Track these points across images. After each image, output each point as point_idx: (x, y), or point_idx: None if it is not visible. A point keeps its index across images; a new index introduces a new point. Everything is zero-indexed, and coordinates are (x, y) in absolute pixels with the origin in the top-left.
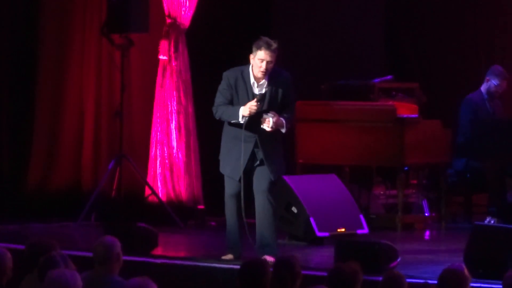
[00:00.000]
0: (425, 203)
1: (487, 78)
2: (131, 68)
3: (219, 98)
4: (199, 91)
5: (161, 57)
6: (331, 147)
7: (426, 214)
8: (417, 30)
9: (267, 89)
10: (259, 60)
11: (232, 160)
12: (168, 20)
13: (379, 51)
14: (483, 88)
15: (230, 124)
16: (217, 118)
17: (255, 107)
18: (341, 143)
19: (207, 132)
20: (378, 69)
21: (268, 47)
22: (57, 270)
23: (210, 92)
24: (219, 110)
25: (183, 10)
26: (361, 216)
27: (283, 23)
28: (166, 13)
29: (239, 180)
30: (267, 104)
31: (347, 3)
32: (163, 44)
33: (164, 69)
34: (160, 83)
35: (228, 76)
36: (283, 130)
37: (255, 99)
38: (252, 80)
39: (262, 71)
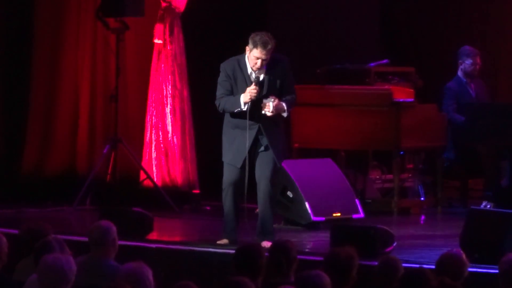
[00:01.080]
0: (421, 188)
1: (460, 61)
2: (126, 52)
3: (219, 91)
4: (194, 75)
5: (156, 41)
6: (327, 131)
7: (422, 199)
8: (412, 13)
9: (265, 75)
10: (254, 57)
11: (234, 148)
12: (163, 4)
13: (374, 35)
14: (459, 72)
15: (232, 115)
16: (221, 111)
17: (254, 91)
18: (337, 127)
19: (202, 116)
20: (374, 53)
21: (264, 47)
22: (52, 255)
23: (206, 76)
24: (221, 103)
25: None
26: (357, 201)
27: (279, 6)
28: None
29: (241, 167)
30: (266, 90)
31: None
32: (158, 28)
33: (159, 53)
34: (155, 67)
35: (225, 67)
36: (285, 114)
37: (253, 83)
38: (249, 69)
39: (256, 67)
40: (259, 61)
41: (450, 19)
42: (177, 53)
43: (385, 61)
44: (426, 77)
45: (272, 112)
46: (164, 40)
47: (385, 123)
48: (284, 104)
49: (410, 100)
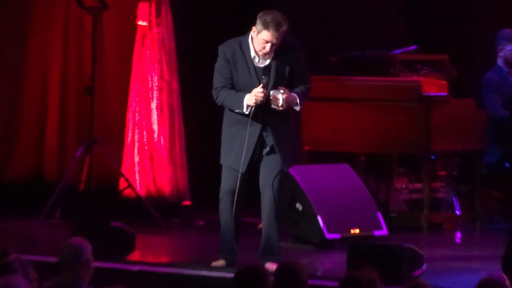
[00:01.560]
0: (455, 199)
1: (499, 47)
2: (104, 36)
3: (217, 79)
4: (185, 63)
5: (140, 22)
6: (343, 131)
7: (457, 212)
8: None
9: (272, 61)
10: (263, 40)
11: (235, 149)
12: None
13: (400, 17)
14: (499, 61)
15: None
16: (219, 105)
17: (261, 95)
18: (355, 126)
19: (195, 113)
20: (399, 38)
21: (277, 28)
22: (6, 278)
23: (199, 65)
24: (220, 96)
25: None
26: (379, 214)
27: None
28: None
29: (243, 173)
30: (273, 78)
31: None
32: (143, 7)
33: (144, 37)
34: (138, 53)
35: (224, 50)
36: (297, 108)
37: (261, 84)
38: (252, 53)
39: (264, 53)
40: (268, 45)
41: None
42: (165, 38)
43: (413, 47)
44: (461, 66)
45: (282, 106)
46: (150, 22)
47: (413, 121)
48: (296, 96)
49: (443, 94)
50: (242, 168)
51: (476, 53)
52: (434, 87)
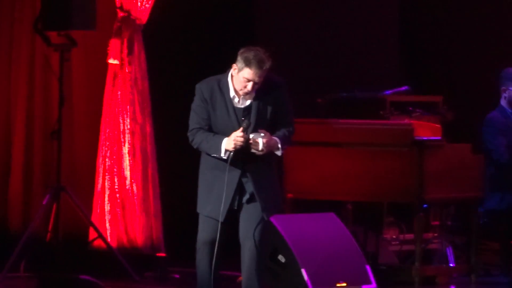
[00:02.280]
0: (450, 251)
1: (503, 88)
2: (72, 75)
3: (193, 119)
4: (159, 105)
5: (111, 61)
6: (329, 178)
7: (451, 265)
8: (440, 27)
9: (253, 102)
10: (244, 79)
11: (213, 196)
12: (121, 14)
13: (392, 55)
14: (503, 102)
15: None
16: (195, 147)
17: (241, 139)
18: (342, 173)
19: (169, 158)
20: (391, 79)
21: (259, 66)
22: None
23: (174, 107)
24: (196, 138)
25: (140, 1)
26: (368, 267)
27: (270, 18)
28: (118, 4)
29: (223, 222)
30: (254, 121)
31: None
32: (114, 44)
33: (115, 77)
34: (109, 94)
35: (201, 88)
36: (278, 153)
37: (241, 128)
38: (232, 92)
39: (245, 92)
40: (249, 84)
41: (489, 35)
42: (137, 77)
43: (404, 88)
44: (457, 108)
45: (262, 150)
46: (122, 60)
47: (404, 167)
48: (277, 140)
49: (436, 138)
50: (221, 218)
51: (473, 94)
52: (427, 130)
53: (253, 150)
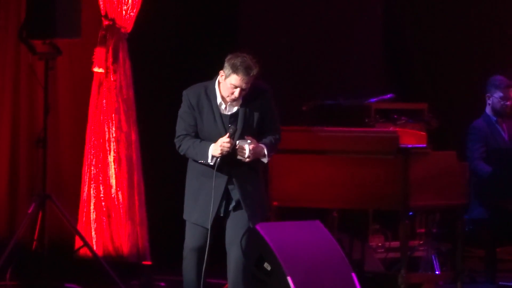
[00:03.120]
0: (435, 258)
1: (487, 95)
2: (57, 83)
3: (180, 126)
4: (144, 113)
5: (96, 69)
6: (315, 186)
7: (437, 272)
8: (424, 34)
9: (240, 109)
10: (231, 85)
11: (200, 203)
12: (105, 22)
13: (376, 63)
14: (487, 109)
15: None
16: (181, 154)
17: (228, 145)
18: (328, 180)
19: (155, 166)
20: (376, 86)
21: (246, 72)
22: None
23: (160, 115)
24: (183, 145)
25: (125, 9)
26: (354, 275)
27: (253, 24)
28: (103, 13)
29: (210, 228)
30: (240, 127)
31: (337, 4)
32: (99, 53)
33: (100, 85)
34: (95, 102)
35: (188, 95)
36: (265, 160)
37: (228, 134)
38: (219, 99)
39: (232, 98)
40: (237, 91)
41: (474, 42)
42: (122, 85)
43: (389, 95)
44: (442, 115)
45: (248, 157)
46: (107, 69)
47: (390, 175)
48: (264, 147)
49: (421, 145)
50: (208, 224)
51: (458, 101)
52: (412, 138)
53: (239, 157)
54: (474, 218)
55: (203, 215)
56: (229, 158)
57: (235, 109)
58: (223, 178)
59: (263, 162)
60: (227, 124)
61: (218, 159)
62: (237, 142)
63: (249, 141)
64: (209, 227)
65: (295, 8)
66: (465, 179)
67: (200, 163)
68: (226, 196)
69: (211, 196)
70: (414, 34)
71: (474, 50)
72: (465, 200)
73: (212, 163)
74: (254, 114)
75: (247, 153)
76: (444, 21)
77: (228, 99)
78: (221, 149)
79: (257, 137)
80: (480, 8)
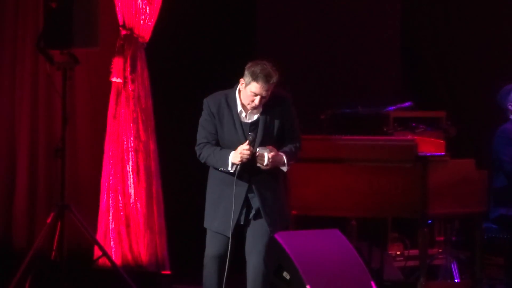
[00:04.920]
0: (454, 266)
1: (509, 104)
2: (75, 93)
3: (201, 134)
4: (163, 123)
5: (114, 79)
6: (333, 195)
7: (456, 280)
8: (442, 42)
9: (260, 117)
10: (251, 93)
11: (220, 211)
12: (123, 32)
13: (395, 72)
14: None
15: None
16: (202, 162)
17: (247, 153)
18: (346, 189)
19: (173, 175)
20: (394, 94)
21: (266, 80)
22: None
23: (178, 124)
24: (204, 152)
25: (142, 19)
26: (373, 283)
27: (272, 36)
28: (121, 22)
29: (231, 237)
30: (261, 135)
31: (354, 12)
32: (117, 63)
33: (118, 95)
34: (113, 112)
35: (208, 103)
36: (284, 168)
37: (247, 141)
38: (239, 107)
39: (252, 106)
40: (257, 98)
41: (491, 50)
42: (141, 95)
43: (407, 103)
44: (460, 123)
45: (267, 165)
46: (125, 78)
47: (408, 183)
48: (283, 156)
49: (440, 154)
50: (228, 232)
51: (476, 109)
52: (430, 146)
53: (259, 165)
54: (493, 227)
55: (223, 224)
56: (249, 166)
57: (255, 117)
58: (244, 186)
59: (283, 171)
60: (247, 132)
61: (238, 166)
62: (257, 149)
63: (268, 149)
64: (229, 235)
65: (313, 17)
66: (484, 186)
67: (221, 170)
68: (246, 204)
69: (231, 204)
70: (432, 42)
71: (492, 58)
72: (483, 208)
73: (232, 171)
74: (274, 122)
75: (265, 161)
76: (462, 29)
77: (248, 107)
78: (241, 157)
79: (278, 145)
80: (497, 17)
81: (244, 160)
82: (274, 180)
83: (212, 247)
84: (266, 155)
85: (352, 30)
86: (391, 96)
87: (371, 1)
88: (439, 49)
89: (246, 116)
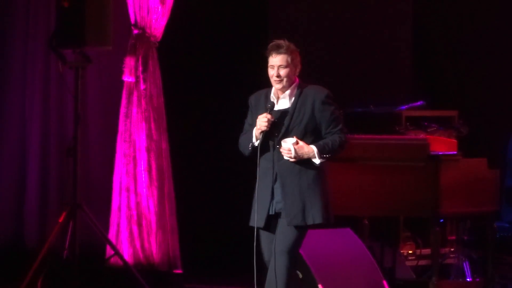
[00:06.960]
0: (466, 265)
1: None
2: (87, 92)
3: (244, 127)
4: (175, 122)
5: (126, 78)
6: (345, 194)
7: (469, 279)
8: (455, 41)
9: (290, 105)
10: (270, 68)
11: (255, 206)
12: (135, 31)
13: (407, 71)
14: None
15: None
16: (241, 150)
17: (265, 120)
18: (358, 188)
19: (185, 174)
20: (406, 93)
21: (277, 49)
22: None
23: (190, 123)
24: (240, 140)
25: (154, 18)
26: (385, 283)
27: (284, 35)
28: (133, 21)
29: (266, 228)
30: (288, 122)
31: (367, 12)
32: (129, 62)
33: (130, 94)
34: (125, 111)
35: (251, 97)
36: (316, 161)
37: (267, 110)
38: (273, 97)
39: (275, 80)
40: (275, 70)
41: (503, 49)
42: (153, 94)
43: (419, 103)
44: (473, 122)
45: (290, 156)
46: (137, 78)
47: (420, 182)
48: (314, 148)
49: (452, 153)
50: (261, 223)
51: (488, 108)
52: (442, 145)
53: (283, 153)
54: (505, 226)
55: (256, 216)
56: (275, 154)
57: (286, 106)
58: (270, 178)
59: (315, 163)
60: (276, 118)
61: (261, 137)
62: (282, 141)
63: (294, 140)
64: (260, 225)
65: (325, 17)
66: (496, 185)
67: (250, 152)
68: (272, 195)
69: (260, 196)
70: (444, 41)
71: (505, 56)
72: (496, 207)
73: (256, 144)
74: (304, 112)
75: (292, 152)
76: (474, 28)
77: (273, 84)
78: (259, 125)
79: (314, 140)
80: (510, 16)
81: (263, 127)
82: (303, 173)
83: (263, 252)
84: (291, 146)
85: (364, 29)
86: (403, 95)
87: (384, 0)
88: (451, 48)
89: (277, 102)
